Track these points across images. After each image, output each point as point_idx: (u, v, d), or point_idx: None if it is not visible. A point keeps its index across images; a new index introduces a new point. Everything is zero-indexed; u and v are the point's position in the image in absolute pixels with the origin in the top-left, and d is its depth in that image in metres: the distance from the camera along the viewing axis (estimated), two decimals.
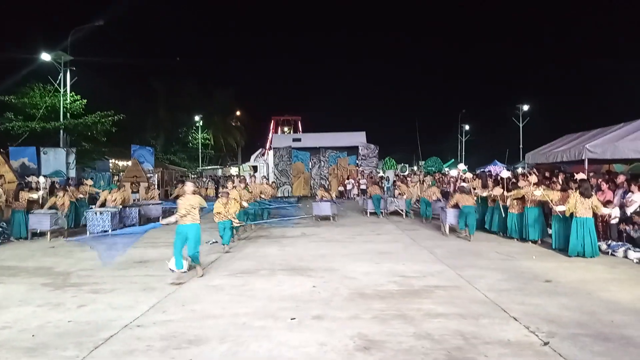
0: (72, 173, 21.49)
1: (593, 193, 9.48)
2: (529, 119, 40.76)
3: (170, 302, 6.29)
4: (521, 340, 4.74)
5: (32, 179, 14.09)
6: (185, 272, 7.67)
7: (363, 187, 25.22)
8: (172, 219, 7.75)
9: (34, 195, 12.94)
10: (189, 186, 7.92)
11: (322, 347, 4.59)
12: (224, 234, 10.24)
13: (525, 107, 40.90)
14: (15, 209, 12.39)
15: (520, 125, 40.52)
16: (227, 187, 11.89)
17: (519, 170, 21.49)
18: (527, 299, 6.18)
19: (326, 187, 20.79)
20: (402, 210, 17.11)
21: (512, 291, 6.61)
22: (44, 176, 16.22)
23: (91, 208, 13.65)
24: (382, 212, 17.11)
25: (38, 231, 12.35)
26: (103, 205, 13.58)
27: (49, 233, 12.14)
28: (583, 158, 12.27)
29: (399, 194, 18.22)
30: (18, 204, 12.40)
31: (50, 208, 12.80)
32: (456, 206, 11.99)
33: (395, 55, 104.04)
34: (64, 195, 13.21)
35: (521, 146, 38.34)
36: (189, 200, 7.65)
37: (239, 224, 11.03)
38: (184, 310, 5.90)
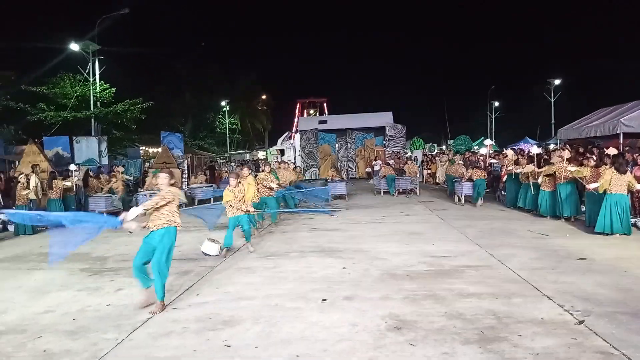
0: (105, 161, 21.99)
1: (628, 169, 9.22)
2: (561, 93, 39.60)
3: (204, 284, 6.43)
4: (555, 319, 4.70)
5: (71, 167, 14.58)
6: (219, 255, 7.82)
7: (377, 167, 25.27)
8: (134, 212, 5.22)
9: (68, 183, 13.37)
10: (162, 178, 5.61)
11: (353, 328, 4.64)
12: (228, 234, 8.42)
13: (557, 82, 39.70)
14: (51, 197, 12.81)
15: (552, 100, 39.38)
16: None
17: (551, 146, 21.04)
18: (560, 277, 6.10)
19: (338, 168, 22.72)
20: (415, 188, 18.13)
21: (545, 269, 6.53)
22: (76, 164, 16.69)
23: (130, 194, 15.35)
24: (395, 192, 17.88)
25: None
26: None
27: (105, 214, 12.75)
28: (618, 132, 11.96)
29: (429, 173, 18.72)
30: (52, 193, 12.78)
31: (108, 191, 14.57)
32: (470, 180, 13.93)
33: (421, 32, 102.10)
34: (117, 181, 15.24)
35: (553, 122, 37.37)
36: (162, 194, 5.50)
37: (254, 212, 9.03)
38: (217, 292, 6.03)
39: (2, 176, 14.03)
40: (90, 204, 14.34)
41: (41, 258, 8.61)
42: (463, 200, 14.35)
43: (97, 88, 24.75)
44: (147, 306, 5.40)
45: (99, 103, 24.85)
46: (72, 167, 13.79)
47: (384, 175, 18.47)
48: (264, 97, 57.63)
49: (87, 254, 8.80)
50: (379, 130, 29.37)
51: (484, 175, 13.78)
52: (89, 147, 21.83)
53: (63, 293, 6.26)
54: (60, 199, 12.88)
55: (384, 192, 18.30)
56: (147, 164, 24.30)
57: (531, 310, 4.95)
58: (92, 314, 5.33)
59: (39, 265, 8.03)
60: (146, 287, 5.45)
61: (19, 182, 11.75)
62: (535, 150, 11.96)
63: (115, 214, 5.80)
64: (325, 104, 55.27)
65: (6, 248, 9.91)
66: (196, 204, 16.83)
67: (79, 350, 4.31)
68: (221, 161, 38.65)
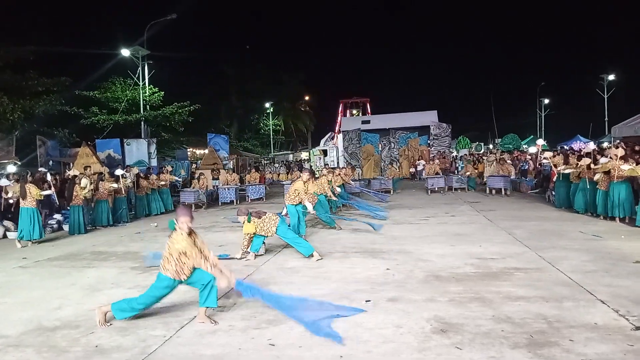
0: (154, 162, 22.66)
1: None
2: (615, 89, 37.95)
3: (249, 283, 6.50)
4: (609, 324, 4.50)
5: (117, 172, 15.07)
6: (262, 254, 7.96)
7: (420, 167, 25.36)
8: None
9: (114, 185, 13.81)
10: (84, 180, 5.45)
11: (398, 329, 4.59)
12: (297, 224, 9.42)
13: (611, 77, 38.05)
14: (99, 198, 13.34)
15: (605, 97, 37.79)
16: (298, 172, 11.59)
17: (604, 144, 20.23)
18: (615, 281, 5.84)
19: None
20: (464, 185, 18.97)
21: (599, 272, 6.27)
22: (125, 167, 17.38)
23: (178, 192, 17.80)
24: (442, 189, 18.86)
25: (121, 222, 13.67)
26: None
27: (193, 205, 16.30)
28: None
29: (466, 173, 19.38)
30: (99, 194, 13.30)
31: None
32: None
33: (467, 27, 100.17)
34: (199, 179, 18.17)
35: (606, 119, 35.92)
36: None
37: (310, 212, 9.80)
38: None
39: (57, 177, 14.67)
40: (181, 197, 17.39)
41: (94, 256, 8.96)
42: (493, 192, 17.07)
43: (147, 92, 25.55)
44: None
45: (148, 106, 25.66)
46: (119, 171, 14.27)
47: (436, 173, 19.61)
48: (307, 98, 57.90)
49: (137, 252, 9.09)
50: (423, 130, 29.01)
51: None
52: (139, 149, 22.56)
53: (114, 290, 6.48)
54: (107, 200, 13.46)
55: (431, 192, 18.49)
56: (194, 165, 24.92)
57: (584, 314, 4.76)
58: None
59: (92, 264, 8.34)
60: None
61: (76, 183, 12.24)
62: (591, 146, 11.49)
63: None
64: (368, 104, 55.07)
65: (61, 246, 10.36)
66: (248, 201, 18.82)
67: (128, 346, 4.45)
68: (265, 162, 39.14)
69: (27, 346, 4.58)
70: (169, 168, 18.11)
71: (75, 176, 12.78)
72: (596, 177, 10.66)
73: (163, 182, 16.17)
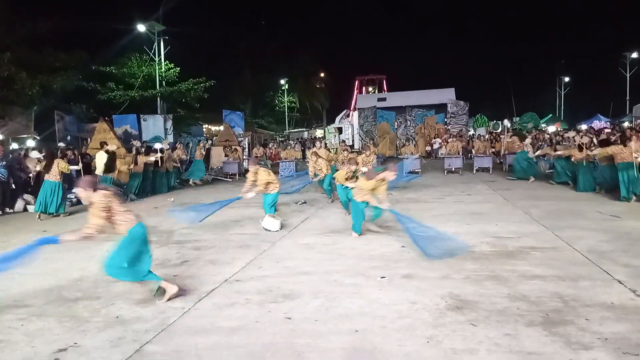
0: (170, 138, 22.80)
1: None
2: (637, 67, 37.02)
3: (265, 259, 6.59)
4: (626, 304, 4.48)
5: (164, 144, 16.34)
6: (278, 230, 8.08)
7: (436, 146, 25.05)
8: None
9: (151, 159, 14.46)
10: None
11: (413, 305, 4.62)
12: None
13: (634, 55, 37.05)
14: (136, 171, 13.95)
15: (627, 75, 36.92)
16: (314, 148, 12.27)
17: (625, 124, 19.87)
18: (632, 261, 5.78)
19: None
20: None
21: (616, 252, 6.21)
22: (160, 142, 18.02)
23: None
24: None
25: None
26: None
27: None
28: None
29: (493, 152, 18.99)
30: (137, 167, 13.89)
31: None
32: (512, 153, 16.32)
33: (484, 2, 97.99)
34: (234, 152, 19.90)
35: (628, 98, 35.15)
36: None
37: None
38: (278, 266, 6.17)
39: (76, 152, 14.83)
40: (280, 169, 19.34)
41: (112, 230, 9.08)
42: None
43: (162, 67, 25.56)
44: None
45: (164, 82, 25.69)
46: (158, 145, 15.32)
47: (457, 152, 19.56)
48: (322, 75, 57.47)
49: (155, 227, 9.20)
50: (440, 108, 28.68)
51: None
52: (155, 125, 22.70)
53: None
54: (141, 173, 14.14)
55: (447, 172, 18.00)
56: (209, 142, 25.02)
57: (600, 294, 4.74)
58: None
59: (110, 237, 8.43)
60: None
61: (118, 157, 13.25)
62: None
63: None
64: (384, 81, 54.54)
65: (80, 220, 10.50)
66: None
67: (148, 318, 4.55)
68: (280, 139, 39.09)
69: (49, 316, 4.70)
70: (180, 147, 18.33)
71: (113, 151, 13.16)
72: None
73: (175, 164, 16.41)
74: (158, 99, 25.08)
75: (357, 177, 8.75)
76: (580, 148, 12.00)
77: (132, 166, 13.94)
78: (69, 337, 4.16)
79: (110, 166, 12.61)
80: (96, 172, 12.66)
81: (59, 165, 11.00)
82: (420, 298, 4.81)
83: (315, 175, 11.58)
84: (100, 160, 12.80)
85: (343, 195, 9.52)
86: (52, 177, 10.93)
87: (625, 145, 10.50)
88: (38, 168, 11.84)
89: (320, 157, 11.85)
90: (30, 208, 12.12)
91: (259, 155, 23.10)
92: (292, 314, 4.51)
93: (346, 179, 9.14)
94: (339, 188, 9.69)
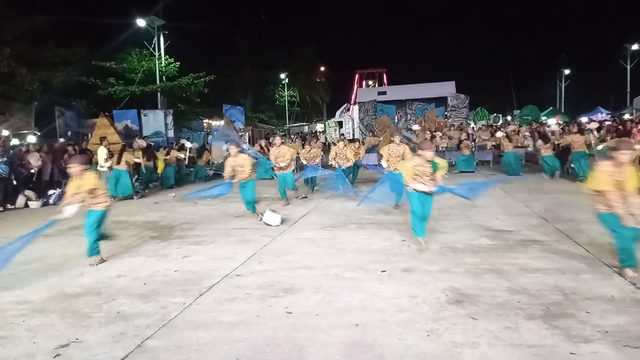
0: (171, 133, 22.78)
1: None
2: (638, 60, 36.87)
3: (266, 253, 6.60)
4: (627, 297, 4.48)
5: (187, 144, 17.85)
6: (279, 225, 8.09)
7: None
8: None
9: (181, 155, 16.30)
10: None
11: (413, 299, 4.63)
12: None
13: (635, 47, 36.90)
14: (168, 163, 15.31)
15: (628, 67, 36.77)
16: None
17: (626, 116, 19.81)
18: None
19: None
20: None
21: None
22: (188, 140, 19.36)
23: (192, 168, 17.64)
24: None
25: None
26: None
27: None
28: None
29: (493, 145, 18.72)
30: (169, 160, 15.26)
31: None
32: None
33: None
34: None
35: (628, 90, 35.04)
36: None
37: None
38: (278, 261, 6.18)
39: (76, 148, 14.84)
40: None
41: (114, 225, 9.10)
42: None
43: (162, 62, 25.50)
44: None
45: (164, 77, 25.64)
46: (187, 143, 17.02)
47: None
48: (322, 69, 57.28)
49: (156, 222, 9.24)
50: (441, 101, 28.52)
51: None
52: (155, 120, 22.64)
53: (134, 259, 6.62)
54: (174, 165, 15.54)
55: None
56: (209, 137, 25.01)
57: (600, 287, 4.75)
58: (161, 279, 5.61)
59: (111, 232, 8.48)
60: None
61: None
62: (593, 125, 11.64)
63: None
64: (384, 75, 54.41)
65: (81, 216, 10.53)
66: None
67: (149, 313, 4.56)
68: (281, 133, 39.01)
69: (51, 311, 4.72)
70: (183, 144, 18.43)
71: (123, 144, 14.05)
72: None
73: (182, 156, 16.67)
74: (158, 94, 25.01)
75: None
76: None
77: (167, 157, 15.41)
78: (71, 333, 4.18)
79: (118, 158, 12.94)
80: (97, 168, 12.68)
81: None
82: (421, 292, 4.82)
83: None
84: (101, 155, 12.82)
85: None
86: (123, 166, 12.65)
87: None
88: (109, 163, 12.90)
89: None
90: (32, 204, 12.14)
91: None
92: (292, 308, 4.52)
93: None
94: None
